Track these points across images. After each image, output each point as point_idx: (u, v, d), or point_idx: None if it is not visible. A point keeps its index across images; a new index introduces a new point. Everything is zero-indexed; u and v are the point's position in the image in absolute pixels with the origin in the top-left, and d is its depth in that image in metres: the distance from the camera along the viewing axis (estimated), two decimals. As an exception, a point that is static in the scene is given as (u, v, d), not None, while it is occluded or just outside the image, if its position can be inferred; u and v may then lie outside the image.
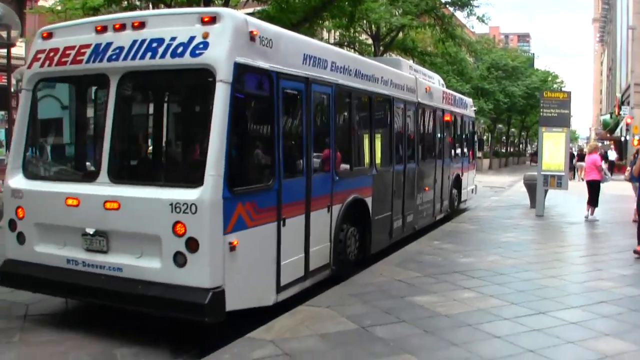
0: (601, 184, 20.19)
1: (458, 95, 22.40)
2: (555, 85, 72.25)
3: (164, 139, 10.01)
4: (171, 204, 7.66)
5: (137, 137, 10.12)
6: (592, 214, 19.89)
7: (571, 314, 9.05)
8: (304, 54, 9.84)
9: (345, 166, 11.53)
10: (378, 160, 13.19)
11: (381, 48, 36.69)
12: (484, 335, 8.04)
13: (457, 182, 21.24)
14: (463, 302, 9.64)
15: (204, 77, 7.97)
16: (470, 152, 23.67)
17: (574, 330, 8.30)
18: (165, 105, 10.08)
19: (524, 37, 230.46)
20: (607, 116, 76.94)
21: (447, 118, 19.32)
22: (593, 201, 20.04)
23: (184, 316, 7.80)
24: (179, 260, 7.67)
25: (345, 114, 11.75)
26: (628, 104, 54.20)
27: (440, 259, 12.99)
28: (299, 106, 9.70)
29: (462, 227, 18.07)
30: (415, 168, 15.73)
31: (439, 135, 18.65)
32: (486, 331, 8.19)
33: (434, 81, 19.71)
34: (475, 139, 25.75)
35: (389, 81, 13.87)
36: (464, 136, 22.48)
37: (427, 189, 16.98)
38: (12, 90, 19.89)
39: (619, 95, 67.06)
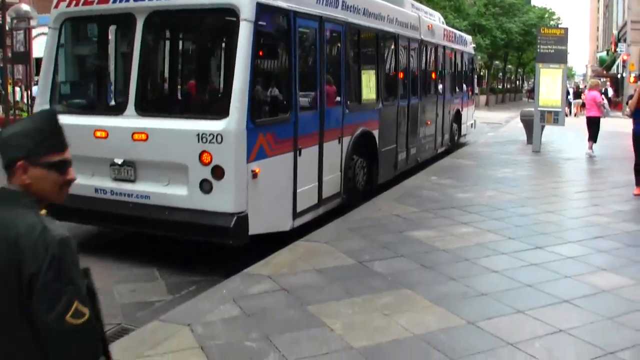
0: (601, 120, 20.37)
1: (458, 32, 22.75)
2: (552, 22, 71.37)
3: (189, 75, 10.64)
4: (198, 135, 8.04)
5: (163, 73, 10.68)
6: (589, 148, 20.05)
7: (568, 248, 9.12)
8: None
9: (353, 100, 11.88)
10: (384, 95, 13.51)
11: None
12: (481, 270, 8.07)
13: (457, 117, 21.57)
14: (461, 237, 9.67)
15: (229, 16, 8.46)
16: (470, 88, 23.88)
17: (571, 264, 8.36)
18: (191, 42, 10.70)
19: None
20: (604, 53, 76.29)
21: (447, 55, 19.53)
22: (593, 137, 20.20)
23: (210, 239, 8.40)
24: (205, 187, 8.10)
25: (354, 50, 12.03)
26: (625, 41, 53.83)
27: (438, 194, 13.02)
28: (313, 43, 10.11)
29: (460, 163, 18.15)
30: (418, 103, 16.03)
31: (440, 71, 18.86)
32: (484, 266, 8.23)
33: (435, 19, 19.82)
34: (475, 75, 25.71)
35: (394, 19, 14.15)
36: (463, 72, 22.67)
37: (429, 123, 17.32)
38: (7, 28, 19.71)
39: (615, 32, 66.45)
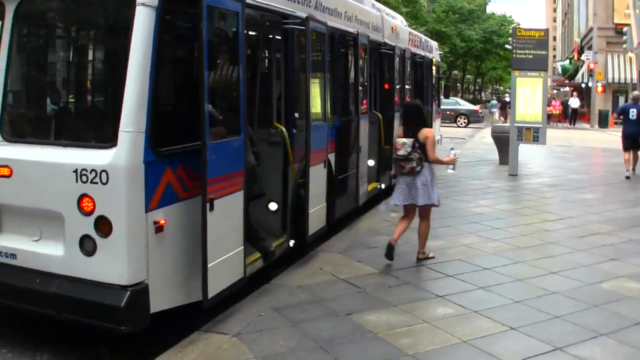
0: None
1: (423, 37, 20.42)
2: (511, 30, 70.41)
3: (71, 85, 7.79)
4: (75, 171, 6.00)
5: (38, 83, 7.86)
6: None
7: (601, 349, 6.09)
8: None
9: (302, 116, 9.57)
10: (341, 109, 11.44)
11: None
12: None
13: None
14: (436, 325, 6.69)
15: (122, 1, 6.38)
16: (437, 99, 21.41)
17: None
18: (75, 41, 7.86)
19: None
20: (566, 62, 74.87)
21: (414, 61, 17.10)
22: None
23: (95, 322, 6.07)
24: (87, 246, 6.04)
25: (303, 51, 9.50)
26: (590, 48, 51.84)
27: (401, 241, 9.84)
28: (241, 41, 7.42)
29: (425, 192, 14.91)
30: (382, 117, 13.98)
31: (406, 80, 16.25)
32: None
33: (398, 22, 17.34)
34: (441, 84, 23.40)
35: (354, 17, 11.96)
36: (430, 81, 19.97)
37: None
38: None
39: (577, 40, 64.83)
